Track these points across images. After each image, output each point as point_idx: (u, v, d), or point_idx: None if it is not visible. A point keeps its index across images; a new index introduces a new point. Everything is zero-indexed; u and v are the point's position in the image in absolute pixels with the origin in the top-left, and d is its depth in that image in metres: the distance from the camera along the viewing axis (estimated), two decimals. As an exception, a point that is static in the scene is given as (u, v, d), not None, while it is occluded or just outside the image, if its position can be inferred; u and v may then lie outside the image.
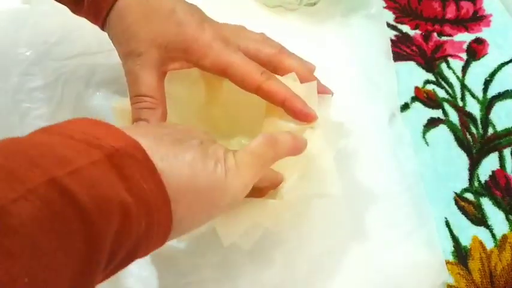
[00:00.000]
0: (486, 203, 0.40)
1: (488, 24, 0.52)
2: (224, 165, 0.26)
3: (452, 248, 0.38)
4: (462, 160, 0.42)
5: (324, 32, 0.50)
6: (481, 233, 0.38)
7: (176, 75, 0.35)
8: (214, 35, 0.34)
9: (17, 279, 0.17)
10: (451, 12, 0.53)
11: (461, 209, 0.39)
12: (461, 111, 0.45)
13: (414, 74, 0.48)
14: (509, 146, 0.43)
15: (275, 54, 0.36)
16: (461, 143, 0.43)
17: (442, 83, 0.47)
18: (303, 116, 0.33)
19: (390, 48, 0.48)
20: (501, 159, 0.42)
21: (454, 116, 0.45)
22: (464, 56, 0.49)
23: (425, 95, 0.46)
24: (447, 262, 0.37)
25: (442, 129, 0.44)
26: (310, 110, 0.33)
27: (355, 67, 0.47)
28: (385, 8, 0.53)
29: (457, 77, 0.48)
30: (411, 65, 0.48)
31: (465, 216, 0.39)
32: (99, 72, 0.44)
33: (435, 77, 0.47)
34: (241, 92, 0.35)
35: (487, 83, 0.47)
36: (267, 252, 0.36)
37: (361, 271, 0.35)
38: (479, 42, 0.50)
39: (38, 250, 0.18)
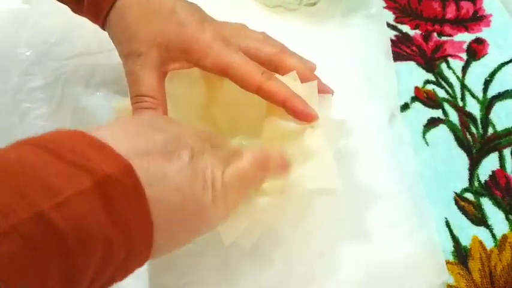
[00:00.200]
0: (486, 203, 0.40)
1: (488, 24, 0.52)
2: (211, 191, 0.26)
3: (452, 248, 0.38)
4: (462, 160, 0.42)
5: (324, 32, 0.50)
6: (481, 233, 0.38)
7: (177, 75, 0.35)
8: (214, 35, 0.34)
9: None
10: (451, 12, 0.53)
11: (461, 209, 0.39)
12: (461, 111, 0.45)
13: (414, 74, 0.48)
14: (509, 146, 0.43)
15: (276, 53, 0.36)
16: (461, 143, 0.43)
17: (442, 83, 0.47)
18: (303, 116, 0.33)
19: (390, 48, 0.48)
20: (501, 159, 0.42)
21: (454, 116, 0.45)
22: (464, 56, 0.49)
23: (425, 95, 0.46)
24: (447, 262, 0.37)
25: (442, 129, 0.44)
26: (310, 110, 0.33)
27: (355, 67, 0.47)
28: (385, 8, 0.53)
29: (457, 77, 0.48)
30: (411, 65, 0.48)
31: (465, 216, 0.39)
32: (99, 72, 0.44)
33: (435, 77, 0.47)
34: (241, 92, 0.35)
35: (487, 83, 0.47)
36: (266, 252, 0.36)
37: (361, 271, 0.35)
38: (479, 42, 0.50)
39: None
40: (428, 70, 0.48)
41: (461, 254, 0.37)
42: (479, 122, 0.44)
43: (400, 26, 0.51)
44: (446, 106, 0.45)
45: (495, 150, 0.43)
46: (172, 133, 0.26)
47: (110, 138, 0.23)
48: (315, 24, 0.50)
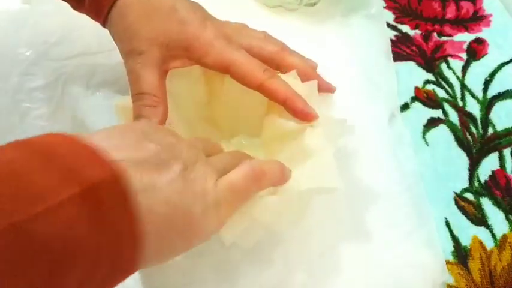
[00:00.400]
0: (486, 203, 0.40)
1: (488, 24, 0.52)
2: (202, 204, 0.25)
3: (452, 248, 0.38)
4: (462, 160, 0.42)
5: (324, 32, 0.50)
6: (481, 233, 0.38)
7: (178, 73, 0.35)
8: (216, 33, 0.34)
9: None
10: (451, 12, 0.53)
11: (461, 209, 0.39)
12: (461, 111, 0.45)
13: (414, 74, 0.48)
14: (509, 146, 0.43)
15: (277, 51, 0.36)
16: (461, 143, 0.43)
17: (442, 83, 0.47)
18: (303, 115, 0.33)
19: (390, 48, 0.48)
20: (501, 159, 0.42)
21: (454, 116, 0.45)
22: (464, 56, 0.49)
23: (425, 95, 0.46)
24: (447, 262, 0.37)
25: (442, 129, 0.44)
26: (310, 109, 0.33)
27: (355, 67, 0.47)
28: (385, 8, 0.53)
29: (457, 77, 0.48)
30: (411, 65, 0.48)
31: (465, 216, 0.39)
32: (99, 72, 0.44)
33: (435, 77, 0.47)
34: (242, 91, 0.35)
35: (487, 83, 0.47)
36: (266, 252, 0.36)
37: (361, 271, 0.35)
38: (479, 42, 0.50)
39: None
40: (428, 70, 0.48)
41: (461, 254, 0.37)
42: (479, 122, 0.44)
43: (400, 26, 0.51)
44: (446, 106, 0.45)
45: (495, 150, 0.43)
46: (165, 142, 0.26)
47: (103, 145, 0.22)
48: (315, 24, 0.50)
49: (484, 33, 0.51)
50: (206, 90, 0.37)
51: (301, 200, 0.31)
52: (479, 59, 0.49)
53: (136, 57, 0.33)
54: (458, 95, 0.46)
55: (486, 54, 0.49)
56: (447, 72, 0.48)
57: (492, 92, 0.46)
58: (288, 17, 0.51)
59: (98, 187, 0.20)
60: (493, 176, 0.41)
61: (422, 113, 0.45)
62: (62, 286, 0.19)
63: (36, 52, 0.44)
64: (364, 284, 0.35)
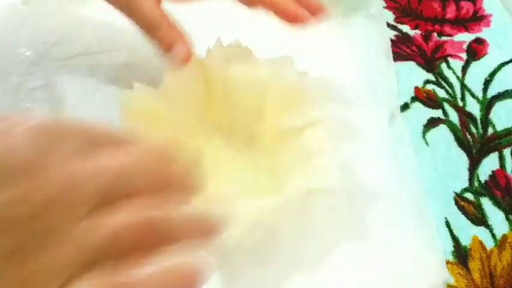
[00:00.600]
0: (486, 203, 0.40)
1: (488, 24, 0.52)
2: None
3: (452, 248, 0.38)
4: (462, 160, 0.42)
5: (324, 32, 0.50)
6: (481, 233, 0.38)
7: (176, 73, 0.35)
8: None
9: None
10: (451, 12, 0.53)
11: (461, 209, 0.39)
12: (461, 111, 0.45)
13: (414, 74, 0.48)
14: (509, 146, 0.43)
15: None
16: (461, 143, 0.43)
17: (442, 83, 0.47)
18: (293, 17, 0.32)
19: (390, 48, 0.48)
20: (501, 159, 0.42)
21: (454, 116, 0.45)
22: (464, 56, 0.49)
23: (425, 95, 0.46)
24: (447, 262, 0.37)
25: (442, 129, 0.44)
26: (300, 10, 0.32)
27: (355, 67, 0.47)
28: (385, 8, 0.53)
29: (457, 77, 0.48)
30: (411, 65, 0.48)
31: (465, 216, 0.39)
32: (99, 72, 0.44)
33: (435, 77, 0.47)
34: (241, 92, 0.35)
35: (487, 83, 0.47)
36: (267, 252, 0.36)
37: (361, 271, 0.35)
38: (479, 42, 0.50)
39: None
40: (428, 70, 0.48)
41: (461, 254, 0.37)
42: (479, 122, 0.44)
43: (400, 26, 0.51)
44: (446, 106, 0.45)
45: (495, 150, 0.43)
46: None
47: None
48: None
49: (484, 33, 0.51)
50: (204, 91, 0.37)
51: (301, 200, 0.31)
52: (479, 59, 0.49)
53: None
54: (458, 95, 0.46)
55: (486, 54, 0.49)
56: (447, 72, 0.48)
57: (492, 92, 0.46)
58: (288, 17, 0.51)
59: None
60: (493, 176, 0.41)
61: (422, 113, 0.45)
62: None
63: (36, 52, 0.44)
64: (364, 284, 0.35)
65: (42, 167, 0.19)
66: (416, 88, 0.46)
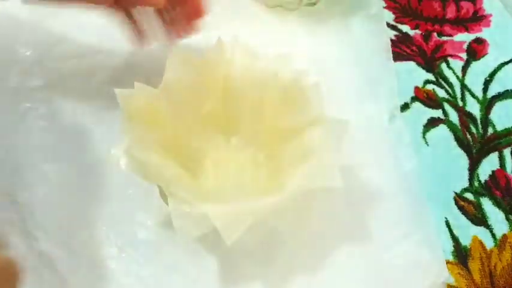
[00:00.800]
0: (486, 203, 0.40)
1: (488, 24, 0.52)
2: None
3: (452, 248, 0.38)
4: (462, 160, 0.42)
5: (324, 32, 0.50)
6: (481, 233, 0.38)
7: (175, 71, 0.35)
8: None
9: None
10: (451, 12, 0.53)
11: (461, 209, 0.39)
12: (461, 111, 0.45)
13: (414, 74, 0.48)
14: (509, 146, 0.43)
15: None
16: (461, 143, 0.43)
17: (442, 83, 0.47)
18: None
19: (390, 48, 0.48)
20: (501, 159, 0.42)
21: (454, 116, 0.45)
22: (464, 56, 0.49)
23: (425, 95, 0.46)
24: (447, 262, 0.37)
25: (442, 129, 0.44)
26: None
27: (355, 67, 0.47)
28: (385, 8, 0.53)
29: (457, 77, 0.48)
30: (411, 65, 0.48)
31: (465, 216, 0.39)
32: (99, 73, 0.44)
33: (435, 77, 0.47)
34: (241, 91, 0.35)
35: (487, 83, 0.47)
36: (267, 252, 0.36)
37: (361, 271, 0.35)
38: (479, 42, 0.50)
39: None
40: (428, 70, 0.48)
41: (461, 254, 0.37)
42: (479, 122, 0.44)
43: (400, 26, 0.51)
44: (446, 106, 0.45)
45: (495, 150, 0.43)
46: None
47: None
48: (315, 24, 0.50)
49: (484, 33, 0.51)
50: (204, 91, 0.37)
51: (301, 200, 0.31)
52: (479, 59, 0.49)
53: None
54: (458, 95, 0.46)
55: (486, 54, 0.49)
56: (447, 72, 0.48)
57: (492, 92, 0.46)
58: (288, 17, 0.51)
59: None
60: (493, 176, 0.41)
61: (422, 113, 0.45)
62: None
63: (36, 52, 0.44)
64: (364, 284, 0.35)
65: None
66: (416, 88, 0.46)
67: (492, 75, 0.48)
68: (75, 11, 0.37)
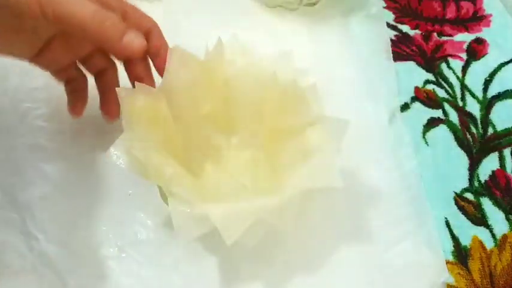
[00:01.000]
0: (486, 203, 0.40)
1: (488, 24, 0.52)
2: None
3: (452, 248, 0.38)
4: (462, 160, 0.42)
5: (324, 32, 0.50)
6: (481, 233, 0.38)
7: (175, 71, 0.35)
8: None
9: None
10: (451, 12, 0.53)
11: (461, 209, 0.39)
12: (461, 111, 0.45)
13: (414, 74, 0.48)
14: (509, 146, 0.43)
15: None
16: (461, 143, 0.43)
17: (442, 83, 0.47)
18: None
19: (390, 48, 0.48)
20: (501, 159, 0.42)
21: (454, 116, 0.45)
22: (464, 56, 0.49)
23: (425, 95, 0.46)
24: (447, 262, 0.37)
25: (442, 129, 0.44)
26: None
27: (355, 67, 0.47)
28: (385, 8, 0.53)
29: (457, 77, 0.48)
30: (411, 65, 0.48)
31: (465, 216, 0.39)
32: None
33: (435, 77, 0.47)
34: (242, 89, 0.35)
35: (487, 83, 0.47)
36: (266, 252, 0.36)
37: (361, 271, 0.35)
38: (479, 42, 0.50)
39: None
40: (428, 70, 0.48)
41: (461, 254, 0.37)
42: (479, 122, 0.44)
43: (400, 26, 0.51)
44: (446, 106, 0.45)
45: (495, 150, 0.43)
46: None
47: None
48: (315, 24, 0.50)
49: (484, 33, 0.51)
50: (205, 89, 0.37)
51: (301, 200, 0.31)
52: (479, 59, 0.49)
53: None
54: (458, 95, 0.46)
55: (486, 54, 0.49)
56: (447, 72, 0.48)
57: (492, 92, 0.46)
58: (288, 17, 0.51)
59: None
60: (493, 176, 0.41)
61: (422, 113, 0.45)
62: None
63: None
64: (364, 284, 0.35)
65: None
66: (416, 88, 0.47)
67: (492, 75, 0.48)
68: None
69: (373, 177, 0.40)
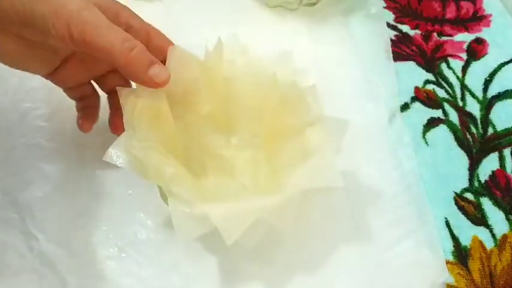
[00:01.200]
0: (486, 203, 0.40)
1: (488, 24, 0.52)
2: None
3: (452, 248, 0.38)
4: (462, 160, 0.42)
5: (324, 32, 0.50)
6: (481, 233, 0.38)
7: (175, 70, 0.35)
8: None
9: None
10: (451, 12, 0.53)
11: (461, 209, 0.39)
12: (461, 111, 0.45)
13: (414, 74, 0.48)
14: (509, 146, 0.43)
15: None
16: (461, 143, 0.43)
17: (442, 83, 0.47)
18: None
19: (390, 48, 0.48)
20: (501, 159, 0.42)
21: (454, 116, 0.45)
22: (464, 56, 0.49)
23: (425, 95, 0.46)
24: (447, 262, 0.37)
25: (442, 129, 0.44)
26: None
27: (355, 67, 0.47)
28: (385, 8, 0.53)
29: (457, 77, 0.48)
30: (411, 65, 0.48)
31: (465, 216, 0.39)
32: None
33: (435, 77, 0.47)
34: (242, 89, 0.35)
35: (487, 83, 0.47)
36: (267, 252, 0.36)
37: (361, 271, 0.35)
38: (479, 42, 0.50)
39: None
40: (428, 70, 0.48)
41: (461, 254, 0.37)
42: (479, 122, 0.44)
43: (400, 26, 0.51)
44: (446, 106, 0.45)
45: (495, 150, 0.43)
46: None
47: None
48: (315, 24, 0.50)
49: (484, 33, 0.51)
50: (205, 89, 0.37)
51: (301, 200, 0.31)
52: (479, 59, 0.49)
53: None
54: (458, 95, 0.46)
55: (486, 54, 0.49)
56: (447, 72, 0.48)
57: (492, 92, 0.46)
58: (288, 17, 0.51)
59: None
60: (493, 176, 0.41)
61: (422, 113, 0.45)
62: None
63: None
64: (364, 284, 0.35)
65: None
66: (416, 88, 0.46)
67: (492, 75, 0.48)
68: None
69: (373, 177, 0.40)
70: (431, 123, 0.44)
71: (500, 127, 0.44)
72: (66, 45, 0.30)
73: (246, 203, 0.30)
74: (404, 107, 0.45)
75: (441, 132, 0.44)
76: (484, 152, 0.43)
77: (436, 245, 0.37)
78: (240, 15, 0.50)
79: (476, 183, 0.41)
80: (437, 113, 0.45)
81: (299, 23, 0.50)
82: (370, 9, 0.51)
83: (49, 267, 0.34)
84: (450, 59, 0.49)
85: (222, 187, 0.37)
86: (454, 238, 0.38)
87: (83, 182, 0.38)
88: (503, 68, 0.48)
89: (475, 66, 0.48)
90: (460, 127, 0.44)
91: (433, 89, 0.46)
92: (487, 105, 0.46)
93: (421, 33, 0.51)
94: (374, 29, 0.50)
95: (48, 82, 0.37)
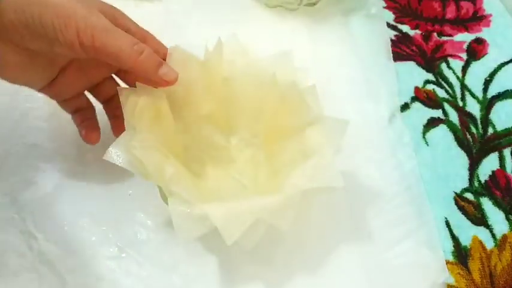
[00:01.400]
0: (486, 203, 0.40)
1: (488, 24, 0.52)
2: None
3: (452, 248, 0.38)
4: (462, 160, 0.42)
5: (324, 31, 0.50)
6: (481, 233, 0.38)
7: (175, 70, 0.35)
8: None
9: None
10: (451, 12, 0.53)
11: (461, 209, 0.39)
12: (461, 111, 0.45)
13: (414, 74, 0.48)
14: (509, 146, 0.43)
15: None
16: (461, 143, 0.43)
17: (442, 83, 0.47)
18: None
19: (390, 48, 0.48)
20: (501, 159, 0.42)
21: (454, 116, 0.45)
22: (464, 56, 0.49)
23: (425, 95, 0.46)
24: (447, 262, 0.37)
25: (442, 129, 0.44)
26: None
27: (355, 67, 0.47)
28: (385, 8, 0.53)
29: (457, 77, 0.48)
30: (411, 65, 0.48)
31: (465, 216, 0.39)
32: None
33: (435, 77, 0.47)
34: (242, 89, 0.35)
35: (487, 83, 0.47)
36: (267, 252, 0.36)
37: (361, 271, 0.35)
38: (479, 42, 0.50)
39: None
40: (428, 70, 0.48)
41: (461, 254, 0.37)
42: (479, 122, 0.44)
43: (400, 26, 0.51)
44: (446, 106, 0.45)
45: (495, 150, 0.43)
46: None
47: None
48: (315, 24, 0.50)
49: (484, 33, 0.51)
50: (205, 89, 0.37)
51: (301, 200, 0.31)
52: (479, 59, 0.49)
53: None
54: (458, 95, 0.46)
55: (486, 54, 0.49)
56: (447, 72, 0.48)
57: (492, 92, 0.46)
58: (288, 17, 0.51)
59: None
60: (493, 176, 0.41)
61: (422, 113, 0.45)
62: None
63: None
64: (364, 284, 0.35)
65: None
66: (416, 88, 0.46)
67: (492, 75, 0.48)
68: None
69: (373, 177, 0.40)
70: (431, 123, 0.44)
71: (500, 127, 0.44)
72: (74, 52, 0.30)
73: (246, 203, 0.30)
74: (404, 107, 0.45)
75: (441, 132, 0.44)
76: (484, 152, 0.43)
77: (436, 245, 0.37)
78: (240, 15, 0.50)
79: (476, 183, 0.41)
80: (437, 113, 0.45)
81: (299, 23, 0.50)
82: (370, 9, 0.51)
83: (49, 267, 0.34)
84: (450, 59, 0.49)
85: (222, 187, 0.37)
86: (454, 238, 0.38)
87: (83, 182, 0.38)
88: (503, 68, 0.48)
89: (475, 66, 0.48)
90: (460, 127, 0.44)
91: (433, 89, 0.46)
92: (487, 105, 0.46)
93: (421, 33, 0.51)
94: (374, 29, 0.50)
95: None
